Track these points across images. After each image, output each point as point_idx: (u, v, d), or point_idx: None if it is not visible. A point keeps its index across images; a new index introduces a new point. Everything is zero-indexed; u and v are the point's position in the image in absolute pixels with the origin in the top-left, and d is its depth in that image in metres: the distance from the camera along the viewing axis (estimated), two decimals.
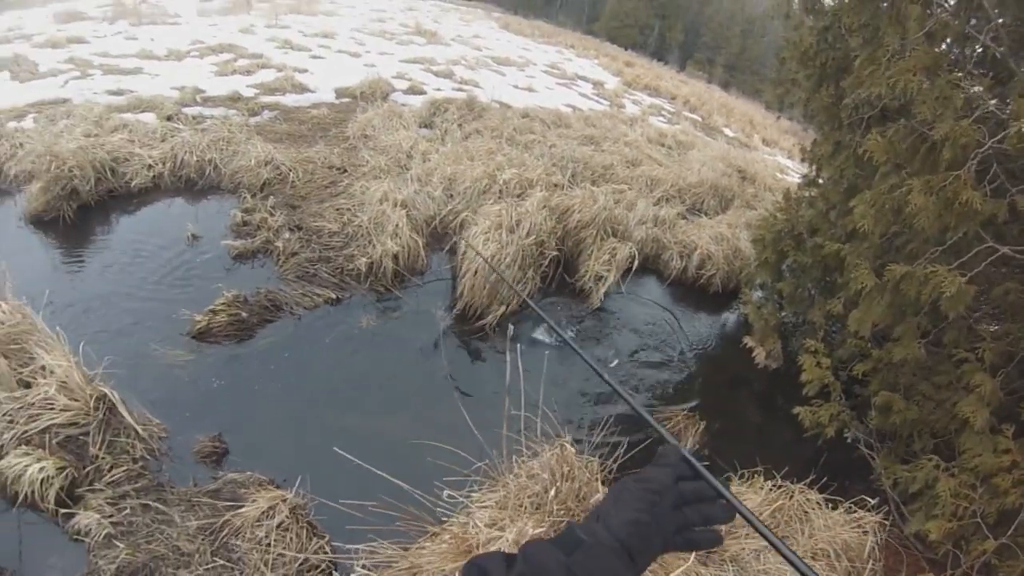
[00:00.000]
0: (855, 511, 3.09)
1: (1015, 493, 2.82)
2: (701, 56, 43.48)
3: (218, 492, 2.99)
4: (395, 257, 5.08)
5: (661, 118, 13.89)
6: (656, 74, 22.90)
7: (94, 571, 2.58)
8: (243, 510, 2.82)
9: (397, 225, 5.29)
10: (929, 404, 3.52)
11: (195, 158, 6.21)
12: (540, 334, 4.82)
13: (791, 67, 4.91)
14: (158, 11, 14.41)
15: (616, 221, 6.08)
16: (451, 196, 6.14)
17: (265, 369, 3.99)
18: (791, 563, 0.62)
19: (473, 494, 2.74)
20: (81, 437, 3.08)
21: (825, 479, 3.23)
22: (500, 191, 6.17)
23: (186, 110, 7.60)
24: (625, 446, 2.99)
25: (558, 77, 15.67)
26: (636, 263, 5.80)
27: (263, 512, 2.80)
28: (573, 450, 2.80)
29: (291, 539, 2.74)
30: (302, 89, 9.54)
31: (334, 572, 2.70)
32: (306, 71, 10.44)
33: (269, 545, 2.69)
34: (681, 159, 9.61)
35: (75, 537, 2.73)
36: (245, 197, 5.83)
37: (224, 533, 2.75)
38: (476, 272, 4.84)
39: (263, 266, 5.03)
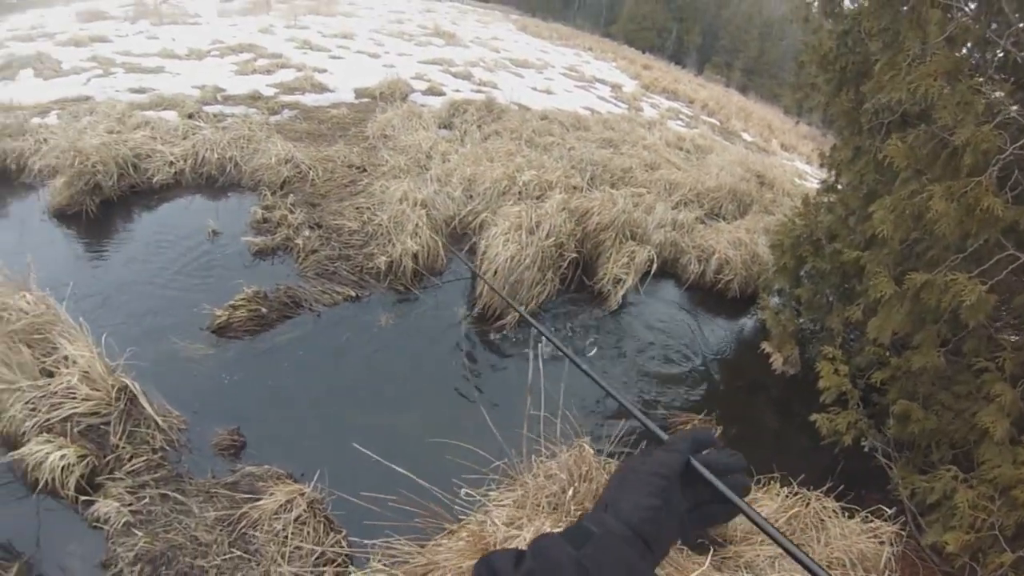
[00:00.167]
0: (872, 520, 3.05)
1: None
2: (719, 59, 43.27)
3: (236, 484, 3.03)
4: (415, 256, 5.11)
5: (679, 122, 13.81)
6: (674, 77, 22.76)
7: (112, 558, 2.62)
8: (261, 503, 2.85)
9: (417, 224, 5.31)
10: (948, 414, 3.46)
11: (216, 155, 6.29)
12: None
13: (810, 71, 4.87)
14: (179, 11, 14.59)
15: (635, 224, 6.07)
16: (471, 197, 6.17)
17: (284, 364, 4.03)
18: (804, 566, 0.60)
19: (491, 493, 2.75)
20: (102, 426, 3.14)
21: (842, 487, 3.18)
22: (520, 192, 6.19)
23: (207, 108, 7.70)
24: (643, 448, 2.97)
25: (576, 80, 15.63)
26: (655, 266, 5.79)
27: (281, 505, 2.83)
28: (591, 451, 2.80)
29: (308, 532, 2.76)
30: (322, 89, 9.61)
31: (350, 566, 2.72)
32: (325, 71, 10.52)
33: (286, 538, 2.72)
34: (699, 163, 9.56)
35: (94, 524, 2.77)
36: (265, 194, 5.90)
37: (242, 525, 2.79)
38: (495, 272, 4.87)
39: (283, 263, 5.08)
